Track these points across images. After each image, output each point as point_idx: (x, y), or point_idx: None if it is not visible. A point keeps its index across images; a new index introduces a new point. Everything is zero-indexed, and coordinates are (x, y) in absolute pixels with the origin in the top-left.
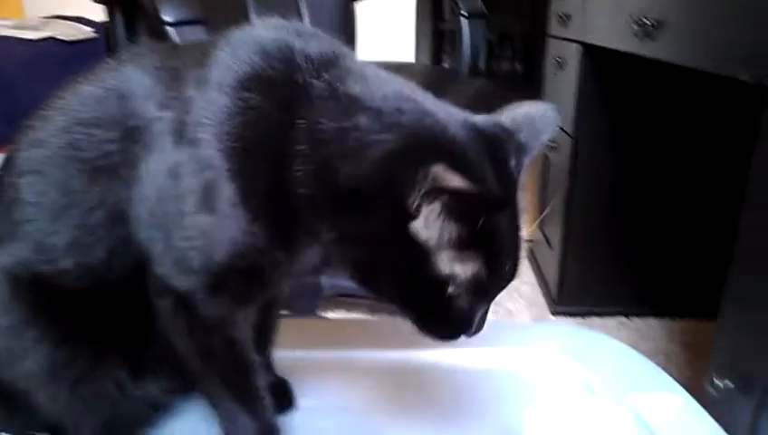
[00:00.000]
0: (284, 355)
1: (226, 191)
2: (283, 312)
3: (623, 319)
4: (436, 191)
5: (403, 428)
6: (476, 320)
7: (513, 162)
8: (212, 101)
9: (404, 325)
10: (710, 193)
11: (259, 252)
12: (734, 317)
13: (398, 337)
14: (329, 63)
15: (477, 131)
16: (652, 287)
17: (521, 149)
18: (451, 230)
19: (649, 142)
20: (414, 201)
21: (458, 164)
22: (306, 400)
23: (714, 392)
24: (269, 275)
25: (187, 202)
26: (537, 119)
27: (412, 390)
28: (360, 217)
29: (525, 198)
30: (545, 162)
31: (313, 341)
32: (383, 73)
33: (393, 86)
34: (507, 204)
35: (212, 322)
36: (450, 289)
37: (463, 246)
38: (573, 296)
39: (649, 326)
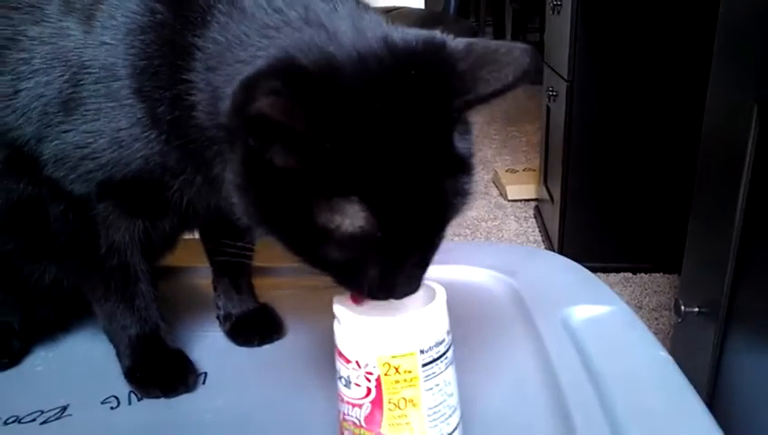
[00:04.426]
0: None
1: (133, 110)
2: None
3: (629, 274)
4: (267, 128)
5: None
6: (398, 283)
7: (440, 91)
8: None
9: None
10: None
11: (168, 172)
12: (697, 248)
13: None
14: None
15: (390, 50)
16: (657, 242)
17: (461, 79)
18: (310, 171)
19: (646, 87)
20: (247, 135)
21: (308, 96)
22: None
23: (679, 319)
24: (177, 194)
25: (89, 109)
26: (502, 53)
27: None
28: (231, 155)
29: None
30: (548, 114)
31: None
32: None
33: None
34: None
35: (101, 224)
36: (331, 245)
37: (333, 192)
38: (576, 252)
39: (655, 281)
